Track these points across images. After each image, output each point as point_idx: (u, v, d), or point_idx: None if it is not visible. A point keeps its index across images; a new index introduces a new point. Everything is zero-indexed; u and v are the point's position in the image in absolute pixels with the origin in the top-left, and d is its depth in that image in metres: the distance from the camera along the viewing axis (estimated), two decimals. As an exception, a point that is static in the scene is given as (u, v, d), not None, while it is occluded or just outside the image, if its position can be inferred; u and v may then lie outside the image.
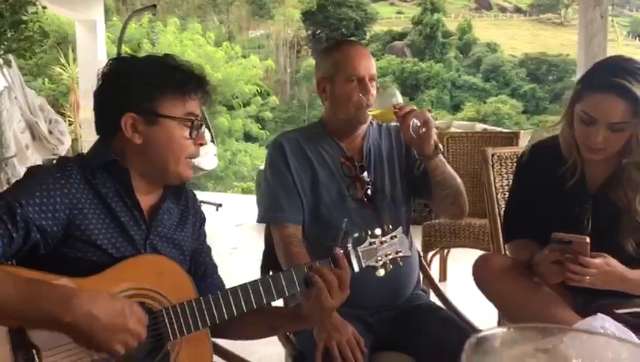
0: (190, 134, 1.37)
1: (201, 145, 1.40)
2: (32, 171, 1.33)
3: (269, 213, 1.88)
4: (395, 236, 1.47)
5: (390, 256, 1.45)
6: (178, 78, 1.35)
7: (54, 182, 1.26)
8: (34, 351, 1.14)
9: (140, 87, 1.33)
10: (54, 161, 1.36)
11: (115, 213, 1.33)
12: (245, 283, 1.35)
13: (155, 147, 1.34)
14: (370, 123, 1.94)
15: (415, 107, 1.71)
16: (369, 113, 1.83)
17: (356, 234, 1.44)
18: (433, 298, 2.09)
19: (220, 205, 7.15)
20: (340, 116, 1.87)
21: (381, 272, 1.44)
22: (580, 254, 1.51)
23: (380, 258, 1.44)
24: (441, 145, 1.76)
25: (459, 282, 3.89)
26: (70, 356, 1.19)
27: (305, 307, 1.42)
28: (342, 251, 1.40)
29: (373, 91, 1.83)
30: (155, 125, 1.34)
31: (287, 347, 1.84)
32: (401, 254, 1.47)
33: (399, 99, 1.73)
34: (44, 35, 3.18)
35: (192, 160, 1.41)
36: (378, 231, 1.45)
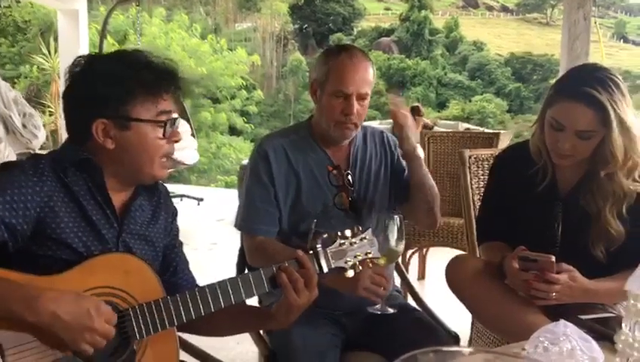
0: (164, 134, 1.35)
1: (176, 141, 1.38)
2: (4, 167, 1.31)
3: (245, 223, 1.85)
4: (365, 237, 1.46)
5: (360, 258, 1.44)
6: (150, 79, 1.32)
7: (26, 180, 1.24)
8: None
9: (110, 91, 1.30)
10: (27, 158, 1.35)
11: (86, 212, 1.31)
12: (214, 283, 1.35)
13: (129, 151, 1.33)
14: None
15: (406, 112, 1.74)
16: (352, 129, 1.81)
17: (325, 235, 1.44)
18: (409, 298, 2.10)
19: (202, 199, 7.09)
20: (323, 126, 1.85)
21: (350, 273, 1.44)
22: (546, 271, 1.53)
23: (349, 259, 1.43)
24: (421, 152, 1.76)
25: (437, 280, 3.90)
26: (34, 354, 1.18)
27: (275, 306, 1.42)
28: (310, 251, 1.40)
29: (361, 109, 1.79)
30: (128, 130, 1.31)
31: (259, 346, 1.84)
32: (370, 256, 1.47)
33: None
34: (17, 29, 3.14)
35: (167, 157, 1.38)
36: (348, 233, 1.45)
